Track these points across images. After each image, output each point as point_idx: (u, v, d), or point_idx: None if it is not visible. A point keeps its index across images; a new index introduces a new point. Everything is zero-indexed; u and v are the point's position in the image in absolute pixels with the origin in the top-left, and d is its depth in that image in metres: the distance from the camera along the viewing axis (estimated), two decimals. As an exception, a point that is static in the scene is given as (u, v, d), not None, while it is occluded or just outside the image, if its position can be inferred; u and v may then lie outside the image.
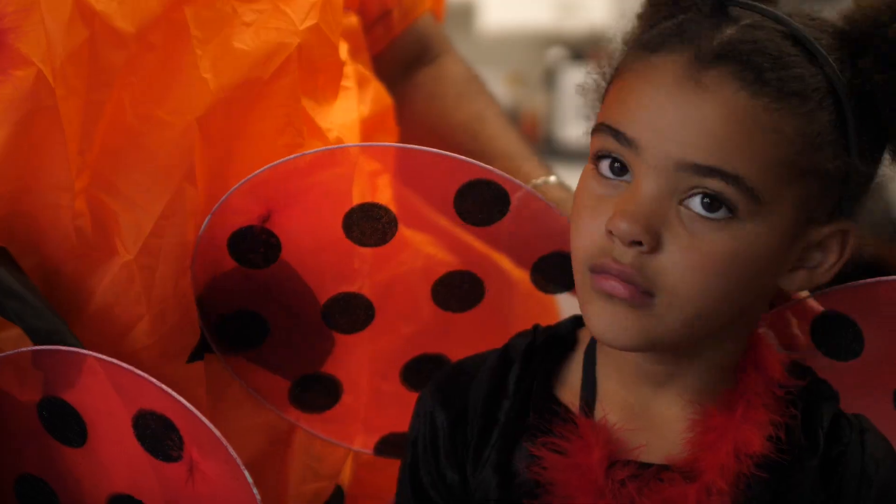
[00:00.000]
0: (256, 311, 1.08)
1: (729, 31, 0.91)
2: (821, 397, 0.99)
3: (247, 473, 0.90)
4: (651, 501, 0.93)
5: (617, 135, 0.90)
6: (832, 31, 0.93)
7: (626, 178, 0.91)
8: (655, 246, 0.88)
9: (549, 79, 4.92)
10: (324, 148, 1.07)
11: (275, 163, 1.03)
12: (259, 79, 1.06)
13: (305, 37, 1.08)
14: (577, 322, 1.05)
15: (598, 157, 0.92)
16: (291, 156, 1.04)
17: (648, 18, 0.97)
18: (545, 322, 1.07)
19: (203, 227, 1.02)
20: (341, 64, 1.14)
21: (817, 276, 0.96)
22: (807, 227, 0.93)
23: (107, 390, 0.94)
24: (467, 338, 1.12)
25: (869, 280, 1.05)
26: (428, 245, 1.16)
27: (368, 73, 1.21)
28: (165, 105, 1.04)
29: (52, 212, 1.03)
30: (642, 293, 0.89)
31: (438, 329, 1.15)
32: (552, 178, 1.18)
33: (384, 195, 1.11)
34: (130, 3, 1.02)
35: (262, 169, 1.02)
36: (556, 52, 4.89)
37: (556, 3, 4.62)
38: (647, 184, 0.89)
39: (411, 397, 1.12)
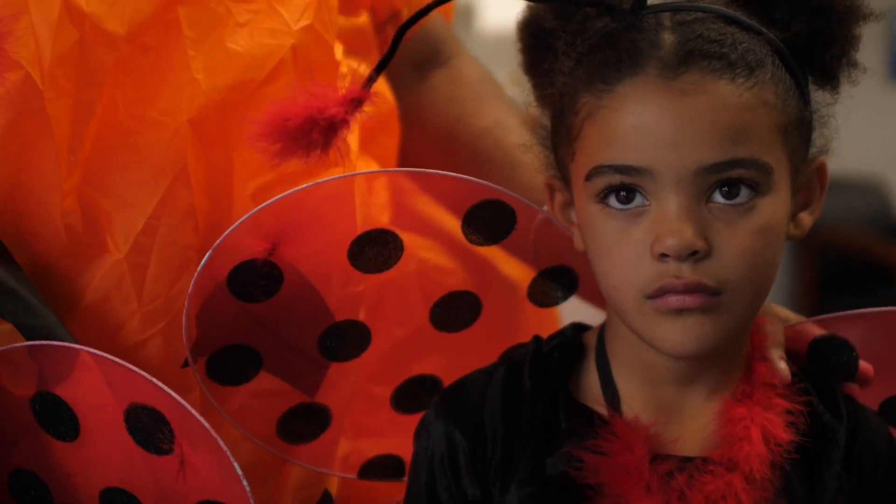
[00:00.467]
0: (250, 346, 1.06)
1: (670, 37, 0.92)
2: (830, 382, 1.04)
3: (236, 465, 0.91)
4: (700, 493, 0.95)
5: (624, 170, 0.92)
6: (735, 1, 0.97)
7: (637, 202, 0.92)
8: (708, 249, 0.91)
9: (550, 78, 4.90)
10: (330, 178, 1.06)
11: (280, 196, 1.00)
12: (253, 80, 1.06)
13: (300, 37, 1.07)
14: (577, 329, 1.06)
15: (606, 193, 0.93)
16: (297, 188, 1.02)
17: (566, 50, 0.97)
18: (544, 332, 1.08)
19: (203, 262, 1.00)
20: (337, 64, 1.13)
21: (813, 213, 1.01)
22: (796, 175, 0.97)
23: (99, 384, 0.95)
24: (459, 357, 1.12)
25: (874, 309, 1.08)
26: (425, 249, 1.16)
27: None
28: (157, 105, 1.04)
29: (42, 210, 1.03)
30: (711, 295, 0.91)
31: (431, 350, 1.15)
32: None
33: (381, 197, 1.11)
34: (121, 4, 1.02)
35: (265, 203, 0.99)
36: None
37: (557, 2, 4.59)
38: (673, 198, 0.91)
39: (399, 419, 1.12)
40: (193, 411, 0.91)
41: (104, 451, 0.99)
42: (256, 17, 1.07)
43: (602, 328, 1.04)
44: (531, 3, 1.02)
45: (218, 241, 1.00)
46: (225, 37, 1.05)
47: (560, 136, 0.99)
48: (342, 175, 1.07)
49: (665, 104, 0.91)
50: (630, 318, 0.95)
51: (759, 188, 0.92)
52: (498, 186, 1.06)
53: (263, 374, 1.07)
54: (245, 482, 0.90)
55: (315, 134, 0.89)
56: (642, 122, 0.91)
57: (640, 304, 0.93)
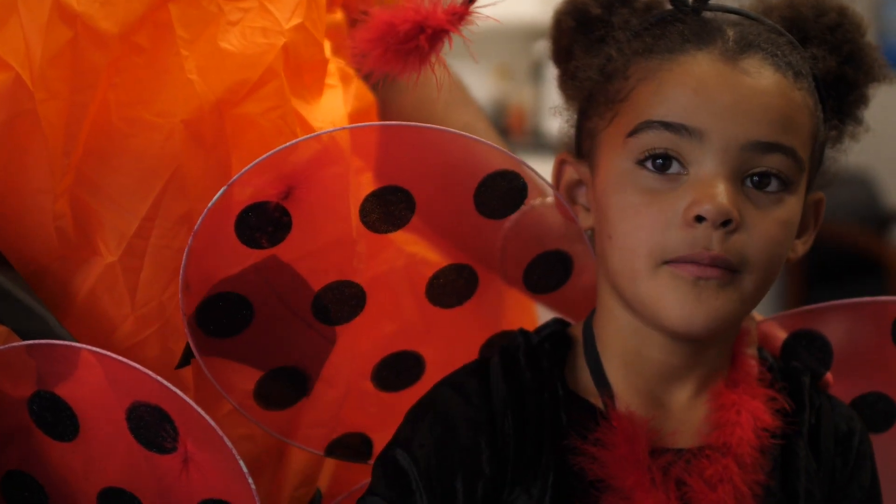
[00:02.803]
0: (244, 296, 1.05)
1: (732, 30, 0.97)
2: (798, 371, 1.06)
3: (242, 463, 0.91)
4: (700, 478, 0.96)
5: (675, 128, 0.94)
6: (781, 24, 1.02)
7: (673, 171, 0.95)
8: (739, 223, 0.93)
9: (536, 72, 4.91)
10: (356, 125, 1.08)
11: (302, 138, 1.02)
12: (247, 81, 1.05)
13: (291, 36, 1.07)
14: (562, 323, 1.08)
15: (645, 158, 0.95)
16: (324, 131, 1.04)
17: (622, 25, 1.01)
18: (524, 324, 1.09)
19: (214, 199, 1.00)
20: (326, 62, 1.13)
21: (805, 243, 1.04)
22: (807, 193, 1.00)
23: (101, 383, 0.95)
24: (447, 335, 1.13)
25: (847, 301, 1.10)
26: (411, 244, 1.16)
27: (351, 71, 1.19)
28: (151, 107, 1.03)
29: (33, 213, 1.02)
30: (729, 271, 0.94)
31: (420, 325, 1.15)
32: (549, 199, 1.16)
33: (366, 193, 1.10)
34: (113, 3, 1.01)
35: (285, 145, 1.00)
36: (543, 46, 4.87)
37: (543, -4, 4.62)
38: (715, 167, 0.94)
39: (378, 396, 1.12)
40: (199, 409, 0.91)
41: (104, 451, 0.99)
42: (248, 15, 1.06)
43: (588, 322, 1.04)
44: None
45: (235, 178, 1.00)
46: (217, 36, 1.05)
47: (597, 102, 1.01)
48: (363, 125, 1.10)
49: (727, 78, 0.94)
50: (640, 285, 0.96)
51: (789, 185, 0.95)
52: (517, 157, 1.07)
53: (252, 332, 1.06)
54: (250, 480, 0.90)
55: (422, 41, 0.91)
56: (703, 88, 0.94)
57: (656, 269, 0.95)
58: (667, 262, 0.94)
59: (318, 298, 1.07)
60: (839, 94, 1.03)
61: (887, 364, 1.11)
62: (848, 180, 4.42)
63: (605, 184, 0.99)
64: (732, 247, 0.93)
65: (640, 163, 0.96)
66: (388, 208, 1.05)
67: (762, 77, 0.95)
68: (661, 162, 0.95)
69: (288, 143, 1.01)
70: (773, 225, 0.95)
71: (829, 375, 1.09)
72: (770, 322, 1.12)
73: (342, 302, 1.08)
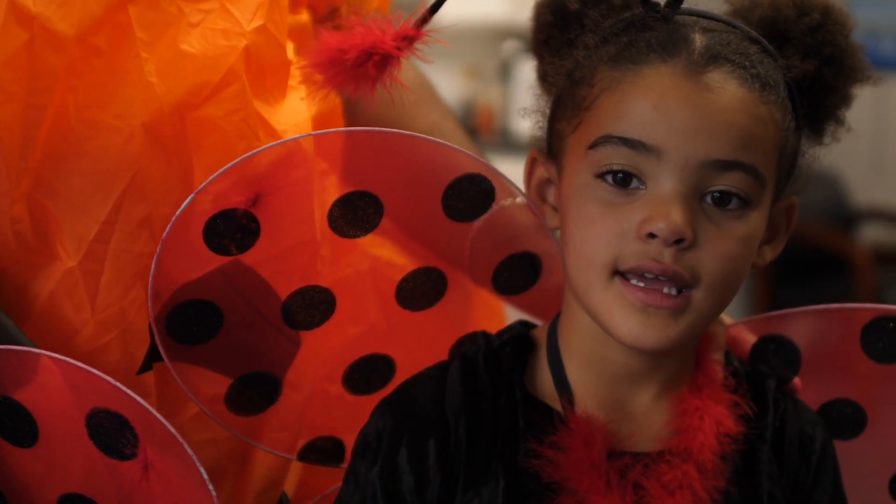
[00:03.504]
0: (213, 302, 1.04)
1: (701, 38, 0.96)
2: (763, 375, 1.06)
3: (202, 470, 0.91)
4: (658, 483, 0.96)
5: (633, 144, 0.94)
6: (757, 29, 1.00)
7: (632, 186, 0.94)
8: (693, 241, 0.92)
9: (505, 72, 4.92)
10: (323, 131, 1.08)
11: (270, 145, 1.01)
12: (208, 83, 1.05)
13: (253, 38, 1.07)
14: (525, 325, 1.08)
15: (604, 173, 0.95)
16: (291, 137, 1.03)
17: (592, 27, 1.00)
18: (492, 325, 1.09)
19: (182, 207, 0.99)
20: (289, 64, 1.13)
21: (774, 249, 1.03)
22: (774, 203, 1.00)
23: (60, 389, 0.94)
24: (417, 338, 1.12)
25: (817, 307, 1.10)
26: (376, 247, 1.16)
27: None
28: (110, 109, 1.02)
29: None
30: (679, 295, 0.93)
31: (390, 329, 1.15)
32: (518, 199, 1.16)
33: (331, 196, 1.11)
34: (70, 4, 1.00)
35: (252, 152, 1.00)
36: (511, 46, 4.89)
37: (511, -4, 4.62)
38: (672, 184, 0.93)
39: (349, 400, 1.12)
40: (159, 416, 0.91)
41: (64, 457, 0.98)
42: (209, 17, 1.06)
43: (553, 324, 1.04)
44: None
45: (202, 186, 0.99)
46: (177, 38, 1.04)
47: (565, 106, 1.00)
48: (330, 130, 1.09)
49: (688, 94, 0.93)
50: (592, 295, 0.96)
51: (749, 202, 0.95)
52: (484, 161, 1.07)
53: (222, 339, 1.06)
54: (211, 487, 0.90)
55: (370, 67, 0.90)
56: (663, 104, 0.93)
57: (608, 281, 0.94)
58: (618, 273, 0.94)
59: (288, 303, 1.07)
60: (817, 97, 1.02)
61: (856, 371, 1.11)
62: (814, 179, 4.43)
63: (567, 191, 0.99)
64: (686, 263, 0.93)
65: (600, 176, 0.95)
66: (357, 213, 1.04)
67: (725, 93, 0.94)
68: (621, 177, 0.94)
69: (254, 151, 1.00)
70: (731, 242, 0.94)
71: (797, 380, 1.09)
72: (739, 326, 1.12)
73: (312, 307, 1.08)
